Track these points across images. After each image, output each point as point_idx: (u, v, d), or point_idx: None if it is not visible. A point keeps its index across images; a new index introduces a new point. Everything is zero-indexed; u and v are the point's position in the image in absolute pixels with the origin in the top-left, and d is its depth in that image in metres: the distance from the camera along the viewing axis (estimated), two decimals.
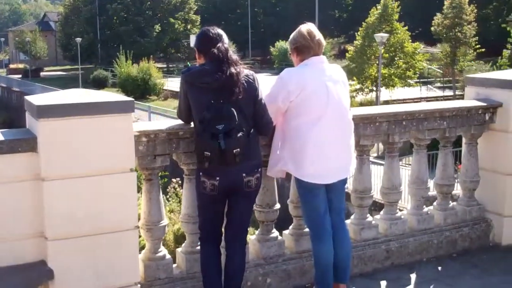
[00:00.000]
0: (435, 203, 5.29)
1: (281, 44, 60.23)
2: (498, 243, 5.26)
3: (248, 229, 3.98)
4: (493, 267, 4.85)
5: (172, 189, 14.98)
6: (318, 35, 3.99)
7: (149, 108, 31.27)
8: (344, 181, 4.08)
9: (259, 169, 3.78)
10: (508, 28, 29.88)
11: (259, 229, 4.51)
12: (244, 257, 3.97)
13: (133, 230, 3.72)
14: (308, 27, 4.01)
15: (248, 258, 4.28)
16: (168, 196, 15.01)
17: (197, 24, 67.76)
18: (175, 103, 39.84)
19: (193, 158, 4.02)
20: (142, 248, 4.12)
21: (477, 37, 35.26)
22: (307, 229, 4.53)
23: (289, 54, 4.16)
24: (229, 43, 3.93)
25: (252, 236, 4.55)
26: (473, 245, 5.18)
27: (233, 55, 3.72)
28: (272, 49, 61.19)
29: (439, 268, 4.86)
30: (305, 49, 3.97)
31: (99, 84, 48.17)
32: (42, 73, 66.52)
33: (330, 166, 3.95)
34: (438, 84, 40.17)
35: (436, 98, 32.95)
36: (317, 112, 3.86)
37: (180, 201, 16.92)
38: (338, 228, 4.08)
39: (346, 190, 4.41)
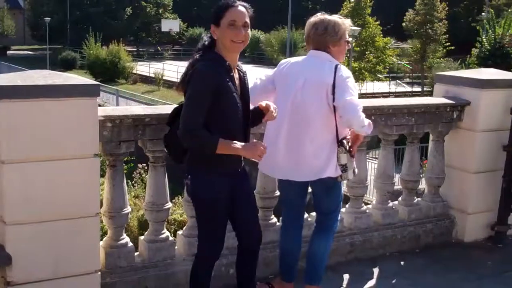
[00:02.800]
0: (400, 198, 5.31)
1: (253, 33, 59.95)
2: (460, 240, 5.31)
3: (203, 243, 3.54)
4: (455, 264, 4.90)
5: (138, 174, 14.83)
6: (316, 27, 3.85)
7: (117, 91, 30.89)
8: (323, 185, 3.92)
9: (189, 176, 3.38)
10: (477, 27, 30.29)
11: None
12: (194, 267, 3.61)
13: (95, 217, 3.63)
14: (313, 18, 3.92)
15: None
16: (133, 182, 14.86)
17: (169, 8, 67.17)
18: (144, 87, 39.53)
19: (158, 145, 3.95)
20: (104, 234, 4.05)
21: (447, 35, 35.74)
22: (271, 221, 4.53)
23: None
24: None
25: None
26: (436, 241, 5.22)
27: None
28: None
29: (402, 263, 4.89)
30: (306, 39, 3.97)
31: (67, 65, 47.37)
32: (9, 52, 65.07)
33: (279, 161, 3.87)
34: (407, 80, 40.57)
35: (405, 94, 33.32)
36: (280, 104, 3.77)
37: (145, 187, 16.79)
38: (314, 231, 4.16)
39: None
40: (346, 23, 3.92)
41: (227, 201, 3.41)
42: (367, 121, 3.75)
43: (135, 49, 61.08)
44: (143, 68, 44.13)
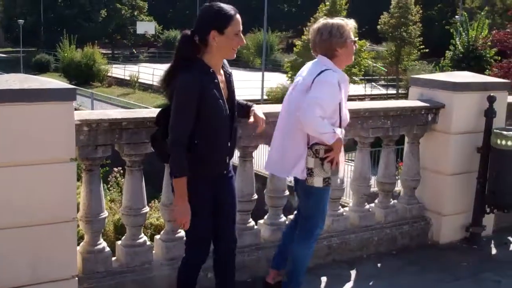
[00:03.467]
0: (376, 201, 5.35)
1: None
2: (436, 241, 5.37)
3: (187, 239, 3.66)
4: (431, 265, 4.95)
5: (114, 178, 14.74)
6: (321, 33, 3.89)
7: (92, 94, 30.63)
8: (301, 186, 3.96)
9: (173, 177, 3.43)
10: (451, 30, 30.68)
11: None
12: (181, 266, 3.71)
13: (72, 222, 3.60)
14: (317, 25, 3.96)
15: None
16: (109, 186, 14.76)
17: (144, 10, 66.88)
18: (119, 90, 39.26)
19: (135, 149, 3.93)
20: (80, 239, 4.01)
21: (422, 38, 36.09)
22: (249, 224, 4.54)
23: None
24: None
25: None
26: (412, 242, 5.27)
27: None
28: None
29: (379, 264, 4.93)
30: (312, 46, 4.03)
31: (41, 68, 46.90)
32: None
33: (270, 155, 4.06)
34: (382, 82, 40.89)
35: (380, 96, 33.60)
36: (283, 102, 4.05)
37: (121, 191, 16.70)
38: (295, 233, 4.19)
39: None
40: (349, 24, 3.94)
41: (209, 203, 3.45)
42: (326, 129, 3.71)
43: (110, 52, 60.72)
44: (118, 70, 43.86)
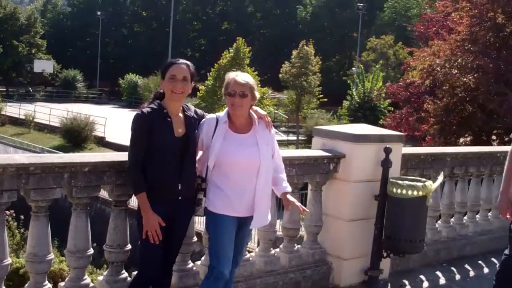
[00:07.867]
0: (281, 246, 5.49)
1: (131, 77, 59.55)
2: (337, 284, 5.56)
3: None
4: None
5: (5, 221, 14.10)
6: None
7: None
8: None
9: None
10: (348, 81, 32.12)
11: (107, 270, 4.40)
12: None
13: None
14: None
15: None
16: None
17: (43, 49, 65.26)
18: (12, 129, 37.75)
19: (42, 195, 3.85)
20: None
21: (321, 87, 37.49)
22: (188, 266, 4.68)
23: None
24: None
25: (99, 277, 4.43)
26: (314, 286, 5.42)
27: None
28: (121, 81, 60.38)
29: None
30: None
31: None
32: None
33: None
34: (283, 129, 41.90)
35: (281, 142, 34.39)
36: None
37: (13, 234, 15.93)
38: None
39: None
40: (230, 76, 4.08)
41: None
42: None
43: (4, 89, 58.48)
44: (13, 109, 42.23)
